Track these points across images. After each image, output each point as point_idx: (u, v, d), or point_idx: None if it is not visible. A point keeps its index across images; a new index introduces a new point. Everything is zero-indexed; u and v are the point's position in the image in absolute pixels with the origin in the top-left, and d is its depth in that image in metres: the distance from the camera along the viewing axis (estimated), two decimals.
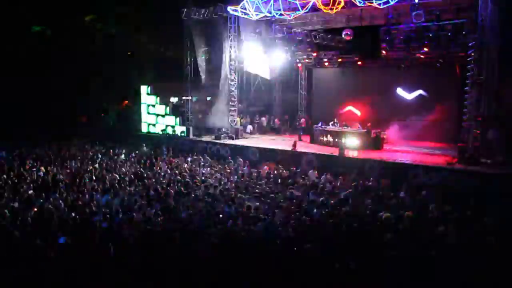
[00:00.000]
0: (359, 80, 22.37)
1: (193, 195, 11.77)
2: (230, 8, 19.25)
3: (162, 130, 23.43)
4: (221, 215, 9.92)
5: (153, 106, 24.44)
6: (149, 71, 26.38)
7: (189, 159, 18.36)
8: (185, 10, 21.76)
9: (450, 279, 6.83)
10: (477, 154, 14.35)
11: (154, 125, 24.30)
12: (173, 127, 23.28)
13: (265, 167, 16.65)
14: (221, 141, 20.37)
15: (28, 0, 24.41)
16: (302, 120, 23.09)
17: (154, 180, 13.54)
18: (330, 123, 19.86)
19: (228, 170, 15.61)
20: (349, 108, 23.02)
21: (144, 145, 21.41)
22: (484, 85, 14.29)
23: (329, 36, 21.98)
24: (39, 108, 24.62)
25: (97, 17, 26.48)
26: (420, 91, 20.93)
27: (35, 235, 8.15)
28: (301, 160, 17.03)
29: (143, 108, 24.89)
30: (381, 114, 20.70)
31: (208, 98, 22.42)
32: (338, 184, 13.90)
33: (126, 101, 29.02)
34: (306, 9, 16.70)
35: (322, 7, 16.24)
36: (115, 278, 6.86)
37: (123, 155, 18.55)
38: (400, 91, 21.55)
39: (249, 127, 23.58)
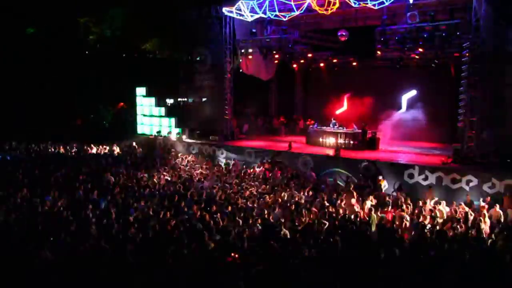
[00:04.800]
0: (354, 80, 22.37)
1: None
2: (225, 10, 19.25)
3: (157, 132, 23.34)
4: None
5: (149, 107, 24.36)
6: (145, 72, 26.24)
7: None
8: (180, 11, 21.73)
9: None
10: (472, 154, 14.40)
11: (149, 126, 24.21)
12: (169, 127, 23.21)
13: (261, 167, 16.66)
14: (217, 142, 20.30)
15: (22, 1, 24.23)
16: (298, 121, 23.09)
17: None
18: (330, 124, 19.71)
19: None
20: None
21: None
22: (479, 85, 14.35)
23: (324, 37, 21.98)
24: (34, 111, 24.42)
25: (92, 19, 26.32)
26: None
27: None
28: (297, 160, 17.01)
29: (139, 109, 24.80)
30: (377, 115, 20.71)
31: (204, 99, 22.35)
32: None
33: (122, 103, 28.88)
34: (301, 10, 16.72)
35: (317, 8, 16.28)
36: None
37: None
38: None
39: (245, 128, 23.52)
